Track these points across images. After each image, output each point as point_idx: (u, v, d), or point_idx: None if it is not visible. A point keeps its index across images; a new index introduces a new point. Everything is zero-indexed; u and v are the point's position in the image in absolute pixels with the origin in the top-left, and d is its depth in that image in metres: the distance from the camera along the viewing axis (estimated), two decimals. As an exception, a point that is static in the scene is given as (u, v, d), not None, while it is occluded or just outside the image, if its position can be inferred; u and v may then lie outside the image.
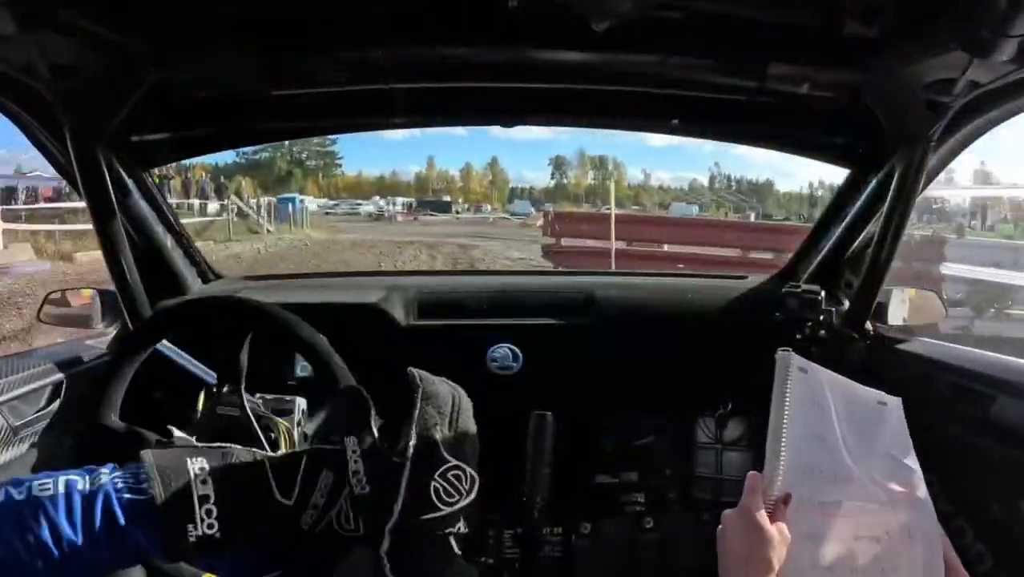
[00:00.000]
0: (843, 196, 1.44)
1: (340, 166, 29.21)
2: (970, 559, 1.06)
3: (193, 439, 0.85)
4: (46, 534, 0.54)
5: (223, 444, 0.67)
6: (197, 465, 0.60)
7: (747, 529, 0.60)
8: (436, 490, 0.64)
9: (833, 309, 1.36)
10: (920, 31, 0.96)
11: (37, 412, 1.04)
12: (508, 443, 1.20)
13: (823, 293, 1.31)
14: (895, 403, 0.68)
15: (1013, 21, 0.80)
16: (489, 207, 26.98)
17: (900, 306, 1.41)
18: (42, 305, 1.40)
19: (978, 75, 0.97)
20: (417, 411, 0.66)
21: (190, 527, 0.58)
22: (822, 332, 1.31)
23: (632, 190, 26.96)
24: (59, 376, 1.08)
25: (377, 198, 27.40)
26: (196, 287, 1.45)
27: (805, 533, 0.61)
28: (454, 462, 0.65)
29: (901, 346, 1.29)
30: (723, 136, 1.46)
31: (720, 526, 0.64)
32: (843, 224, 1.41)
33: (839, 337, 1.31)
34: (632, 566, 1.43)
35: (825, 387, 0.65)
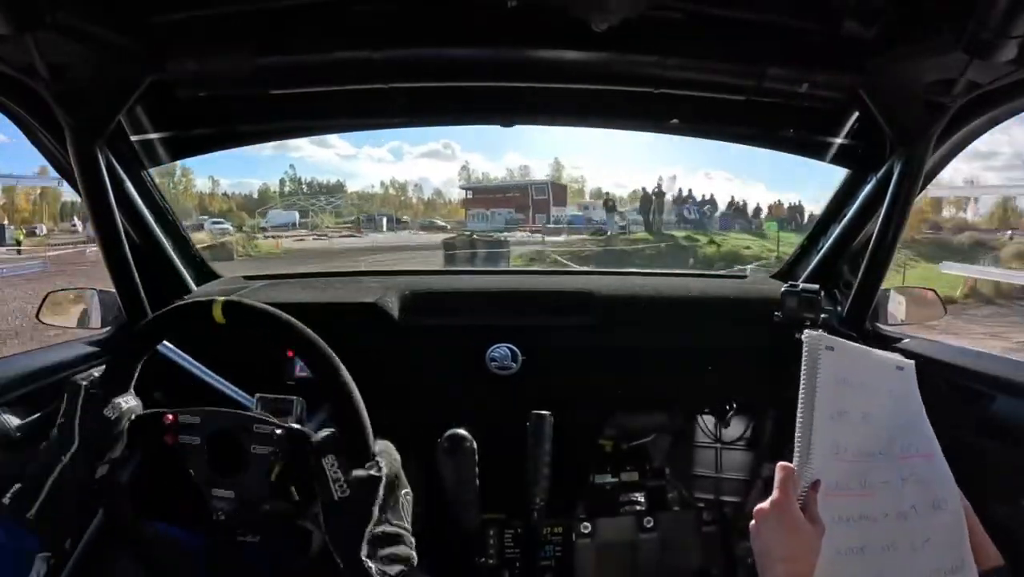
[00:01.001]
0: (842, 196, 1.44)
1: None
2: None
3: (197, 421, 0.88)
4: None
5: None
6: None
7: (782, 525, 0.59)
8: (402, 504, 0.81)
9: (832, 308, 1.36)
10: (920, 32, 0.96)
11: (37, 412, 1.04)
12: (508, 443, 1.20)
13: (822, 292, 1.31)
14: (910, 366, 0.69)
15: (1013, 22, 0.80)
16: (44, 228, 20.45)
17: (898, 305, 1.41)
18: (42, 305, 1.40)
19: (977, 76, 0.97)
20: (382, 449, 0.83)
21: None
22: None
23: (195, 198, 23.84)
24: (59, 376, 1.08)
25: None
26: (195, 287, 1.45)
27: (836, 517, 0.61)
28: (408, 490, 0.84)
29: (900, 345, 1.29)
30: (722, 136, 1.45)
31: (752, 522, 0.62)
32: (842, 224, 1.41)
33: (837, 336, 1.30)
34: (632, 566, 1.43)
35: (850, 361, 0.65)
